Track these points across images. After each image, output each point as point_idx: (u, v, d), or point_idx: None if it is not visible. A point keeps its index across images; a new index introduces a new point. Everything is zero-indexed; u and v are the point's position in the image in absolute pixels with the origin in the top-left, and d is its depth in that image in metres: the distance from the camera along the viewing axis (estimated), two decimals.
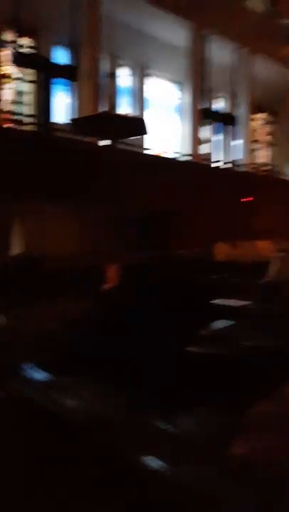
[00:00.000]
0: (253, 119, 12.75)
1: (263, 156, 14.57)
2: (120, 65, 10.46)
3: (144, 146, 10.43)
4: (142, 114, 10.51)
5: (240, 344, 2.36)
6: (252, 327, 2.71)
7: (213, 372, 2.10)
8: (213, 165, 11.34)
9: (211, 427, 1.72)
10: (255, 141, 13.87)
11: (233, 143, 12.07)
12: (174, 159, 10.50)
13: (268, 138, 14.75)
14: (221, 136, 11.68)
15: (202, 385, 2.00)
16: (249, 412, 0.84)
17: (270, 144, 14.83)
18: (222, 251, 9.30)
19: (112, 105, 9.68)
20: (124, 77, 10.78)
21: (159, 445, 0.82)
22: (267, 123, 14.64)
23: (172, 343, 2.25)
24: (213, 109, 11.58)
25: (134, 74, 10.87)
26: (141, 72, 10.91)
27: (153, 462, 0.75)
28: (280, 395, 0.84)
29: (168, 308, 2.80)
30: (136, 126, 8.10)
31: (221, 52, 10.58)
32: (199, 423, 1.82)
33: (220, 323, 2.95)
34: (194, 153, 10.42)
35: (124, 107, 10.63)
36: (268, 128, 14.71)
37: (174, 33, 9.96)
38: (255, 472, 0.70)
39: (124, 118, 8.65)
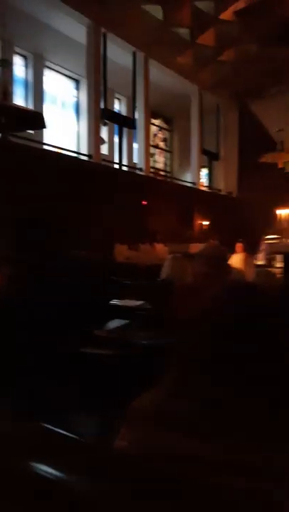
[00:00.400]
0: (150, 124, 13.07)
1: (159, 161, 15.10)
2: (16, 54, 9.92)
3: (43, 142, 10.04)
4: (39, 107, 10.08)
5: (131, 342, 2.39)
6: (144, 326, 2.79)
7: (103, 371, 2.11)
8: (111, 167, 11.36)
9: (102, 426, 1.72)
10: (154, 146, 14.29)
11: (133, 146, 12.25)
12: (73, 158, 10.27)
13: (162, 144, 15.32)
14: (117, 138, 11.74)
15: (93, 384, 2.02)
16: (132, 406, 0.85)
17: (165, 150, 15.42)
18: (119, 252, 9.39)
19: (7, 95, 9.08)
20: (20, 67, 10.25)
21: (50, 450, 0.76)
22: (161, 129, 15.18)
23: (65, 343, 2.20)
24: (113, 110, 11.61)
25: (30, 64, 10.40)
26: (39, 64, 10.48)
27: (45, 469, 0.70)
28: (159, 387, 0.85)
29: (61, 308, 2.77)
30: (32, 119, 7.67)
31: (119, 53, 10.62)
32: (91, 423, 1.82)
33: (114, 323, 3.03)
34: (94, 154, 10.30)
35: (21, 99, 10.11)
36: (161, 134, 15.27)
37: (73, 27, 9.72)
38: (136, 463, 0.71)
39: (20, 110, 8.10)
